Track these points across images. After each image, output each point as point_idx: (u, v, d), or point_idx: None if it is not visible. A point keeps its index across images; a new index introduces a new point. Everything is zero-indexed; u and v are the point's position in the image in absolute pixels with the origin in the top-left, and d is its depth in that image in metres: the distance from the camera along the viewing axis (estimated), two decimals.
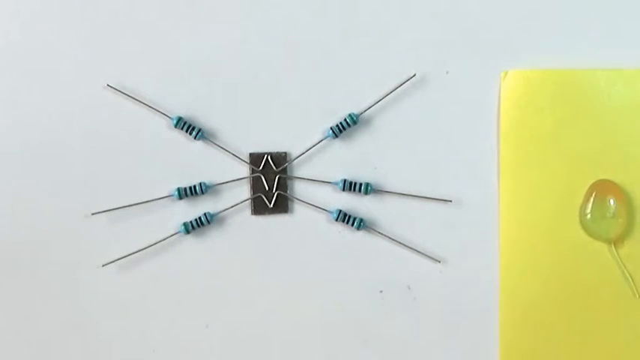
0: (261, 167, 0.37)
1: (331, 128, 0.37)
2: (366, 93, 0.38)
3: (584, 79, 0.38)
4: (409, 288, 0.39)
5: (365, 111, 0.37)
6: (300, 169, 0.38)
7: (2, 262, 0.37)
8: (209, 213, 0.37)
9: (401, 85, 0.37)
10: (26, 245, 0.37)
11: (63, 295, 0.37)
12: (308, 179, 0.38)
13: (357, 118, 0.37)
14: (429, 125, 0.38)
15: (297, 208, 0.38)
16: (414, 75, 0.38)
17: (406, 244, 0.38)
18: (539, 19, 0.38)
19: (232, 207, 0.38)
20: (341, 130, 0.37)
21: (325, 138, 0.38)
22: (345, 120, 0.37)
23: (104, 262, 0.37)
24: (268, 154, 0.37)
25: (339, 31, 0.37)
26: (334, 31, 0.37)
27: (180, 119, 0.36)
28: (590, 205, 0.38)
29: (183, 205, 0.37)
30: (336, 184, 0.38)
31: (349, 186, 0.38)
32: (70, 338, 0.38)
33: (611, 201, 0.38)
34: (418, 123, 0.38)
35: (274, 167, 0.37)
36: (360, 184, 0.38)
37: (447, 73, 0.38)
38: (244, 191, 0.38)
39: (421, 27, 0.38)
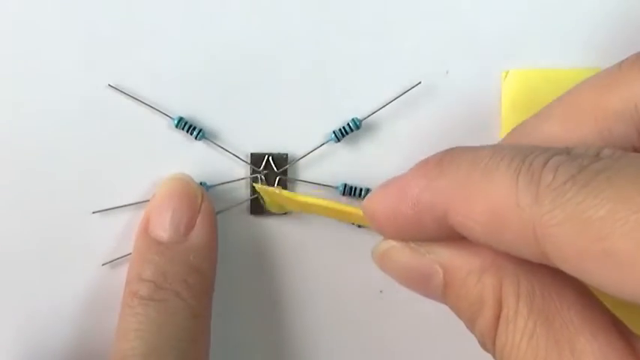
0: (261, 168, 0.37)
1: (334, 132, 0.37)
2: (369, 97, 0.37)
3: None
4: None
5: (368, 116, 0.37)
6: (301, 172, 0.38)
7: (1, 262, 0.37)
8: None
9: (406, 92, 0.37)
10: (26, 245, 0.37)
11: (62, 295, 0.37)
12: (308, 182, 0.38)
13: (360, 123, 0.37)
14: (429, 125, 0.38)
15: None
16: (419, 83, 0.37)
17: None
18: (539, 19, 0.38)
19: (232, 207, 0.38)
20: (343, 134, 0.37)
21: (327, 142, 0.38)
22: (348, 124, 0.37)
23: (104, 262, 0.37)
24: (269, 154, 0.37)
25: (340, 31, 0.37)
26: (335, 31, 0.37)
27: (181, 119, 0.36)
28: None
29: None
30: (336, 188, 0.38)
31: (349, 190, 0.38)
32: (70, 338, 0.38)
33: None
34: (418, 123, 0.38)
35: (275, 168, 0.37)
36: (361, 189, 0.38)
37: (447, 73, 0.38)
38: (244, 192, 0.38)
39: (421, 27, 0.38)
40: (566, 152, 0.22)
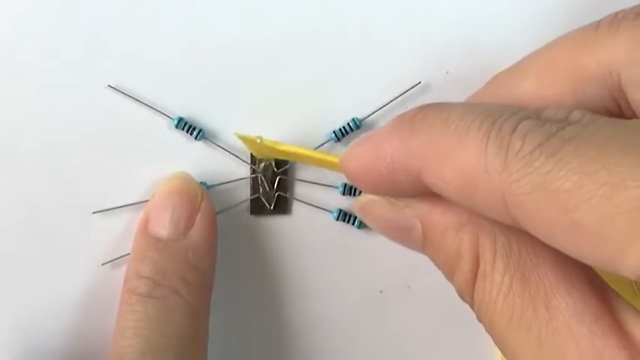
0: (261, 168, 0.37)
1: (334, 132, 0.37)
2: (369, 97, 0.37)
3: None
4: (409, 288, 0.39)
5: (368, 116, 0.37)
6: (301, 171, 0.38)
7: (2, 262, 0.37)
8: None
9: (406, 92, 0.37)
10: (26, 245, 0.37)
11: (62, 294, 0.37)
12: (308, 182, 0.38)
13: (360, 123, 0.37)
14: None
15: (297, 209, 0.38)
16: (419, 83, 0.38)
17: None
18: (539, 20, 0.38)
19: (232, 207, 0.38)
20: (344, 134, 0.37)
21: (327, 142, 0.38)
22: (348, 124, 0.37)
23: (104, 262, 0.37)
24: None
25: (340, 31, 0.37)
26: (335, 31, 0.37)
27: (181, 120, 0.36)
28: None
29: None
30: (336, 188, 0.38)
31: (349, 190, 0.38)
32: (70, 337, 0.38)
33: None
34: None
35: (275, 168, 0.37)
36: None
37: (447, 73, 0.38)
38: (244, 192, 0.38)
39: (421, 27, 0.38)
40: (536, 116, 0.22)
